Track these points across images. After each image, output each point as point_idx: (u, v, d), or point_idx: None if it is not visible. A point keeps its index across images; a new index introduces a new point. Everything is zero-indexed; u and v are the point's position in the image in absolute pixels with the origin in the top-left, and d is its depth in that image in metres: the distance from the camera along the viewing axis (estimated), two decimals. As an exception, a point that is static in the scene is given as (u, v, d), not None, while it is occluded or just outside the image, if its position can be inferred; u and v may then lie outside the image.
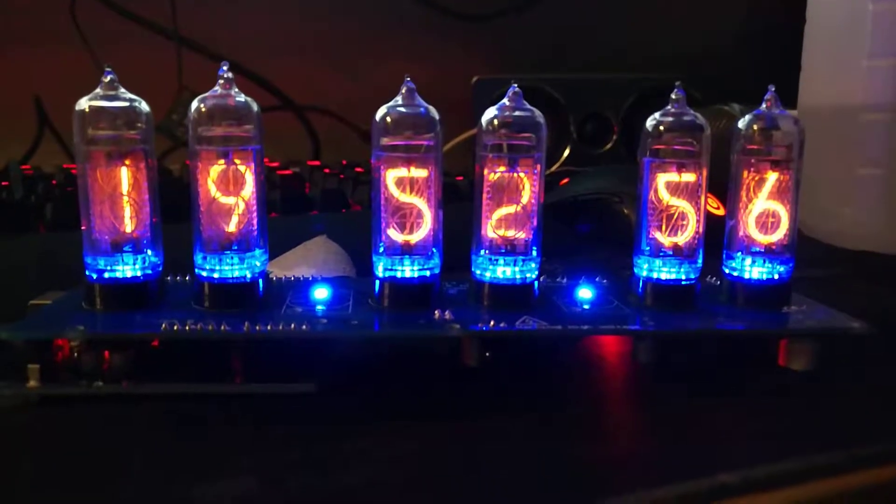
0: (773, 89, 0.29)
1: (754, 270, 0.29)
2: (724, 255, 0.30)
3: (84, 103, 0.26)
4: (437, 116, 0.28)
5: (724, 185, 0.31)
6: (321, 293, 0.28)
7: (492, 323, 0.26)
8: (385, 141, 0.27)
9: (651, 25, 0.81)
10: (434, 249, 0.28)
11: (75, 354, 0.25)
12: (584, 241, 0.48)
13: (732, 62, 0.79)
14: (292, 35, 0.76)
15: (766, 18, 0.78)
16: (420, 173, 0.28)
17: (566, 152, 0.76)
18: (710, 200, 0.44)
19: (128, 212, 0.27)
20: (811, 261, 0.43)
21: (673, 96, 0.29)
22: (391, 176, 0.28)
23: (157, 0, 0.70)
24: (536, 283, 0.29)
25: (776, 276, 0.29)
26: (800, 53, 0.52)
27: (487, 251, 0.29)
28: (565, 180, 0.54)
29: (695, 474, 0.21)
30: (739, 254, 0.30)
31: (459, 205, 0.42)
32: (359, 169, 0.57)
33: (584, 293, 0.29)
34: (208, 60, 0.72)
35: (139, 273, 0.27)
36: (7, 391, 0.24)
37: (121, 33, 0.70)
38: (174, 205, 0.35)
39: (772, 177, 0.29)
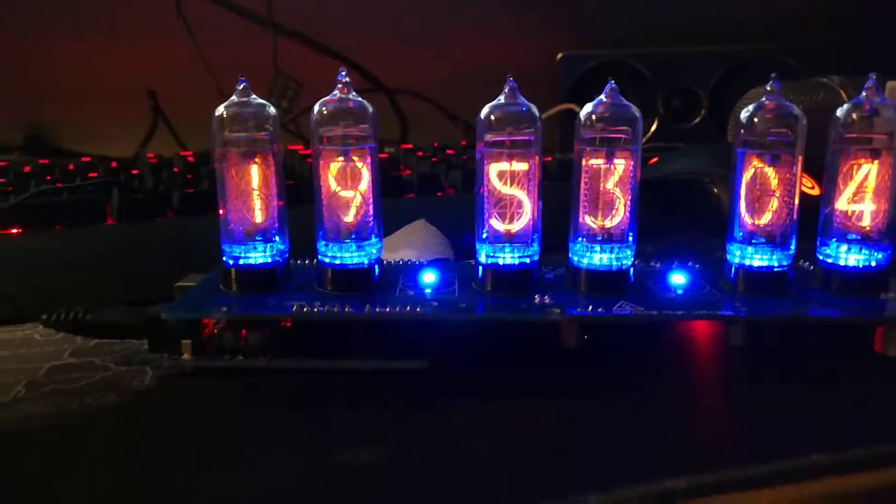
0: (875, 77, 0.29)
1: (850, 258, 0.30)
2: (819, 242, 0.31)
3: (221, 109, 0.29)
4: (537, 113, 0.29)
5: (820, 161, 0.31)
6: (429, 277, 0.31)
7: (590, 308, 0.28)
8: (489, 137, 0.29)
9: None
10: (534, 237, 0.30)
11: (216, 332, 0.28)
12: (675, 222, 0.48)
13: (827, 29, 0.76)
14: (380, 16, 0.78)
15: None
16: (521, 167, 0.30)
17: (653, 128, 0.76)
18: (804, 180, 0.44)
19: (258, 204, 0.30)
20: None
21: (768, 87, 0.30)
22: (494, 169, 0.30)
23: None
24: (631, 269, 0.30)
25: (873, 264, 0.30)
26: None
27: (584, 238, 0.30)
28: (654, 159, 0.55)
29: (786, 453, 0.22)
30: (834, 241, 0.30)
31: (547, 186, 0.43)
32: (450, 151, 0.59)
33: (678, 278, 0.31)
34: (303, 45, 0.76)
35: (269, 259, 0.30)
36: (167, 362, 0.28)
37: (219, 23, 0.74)
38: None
39: (870, 166, 0.29)
